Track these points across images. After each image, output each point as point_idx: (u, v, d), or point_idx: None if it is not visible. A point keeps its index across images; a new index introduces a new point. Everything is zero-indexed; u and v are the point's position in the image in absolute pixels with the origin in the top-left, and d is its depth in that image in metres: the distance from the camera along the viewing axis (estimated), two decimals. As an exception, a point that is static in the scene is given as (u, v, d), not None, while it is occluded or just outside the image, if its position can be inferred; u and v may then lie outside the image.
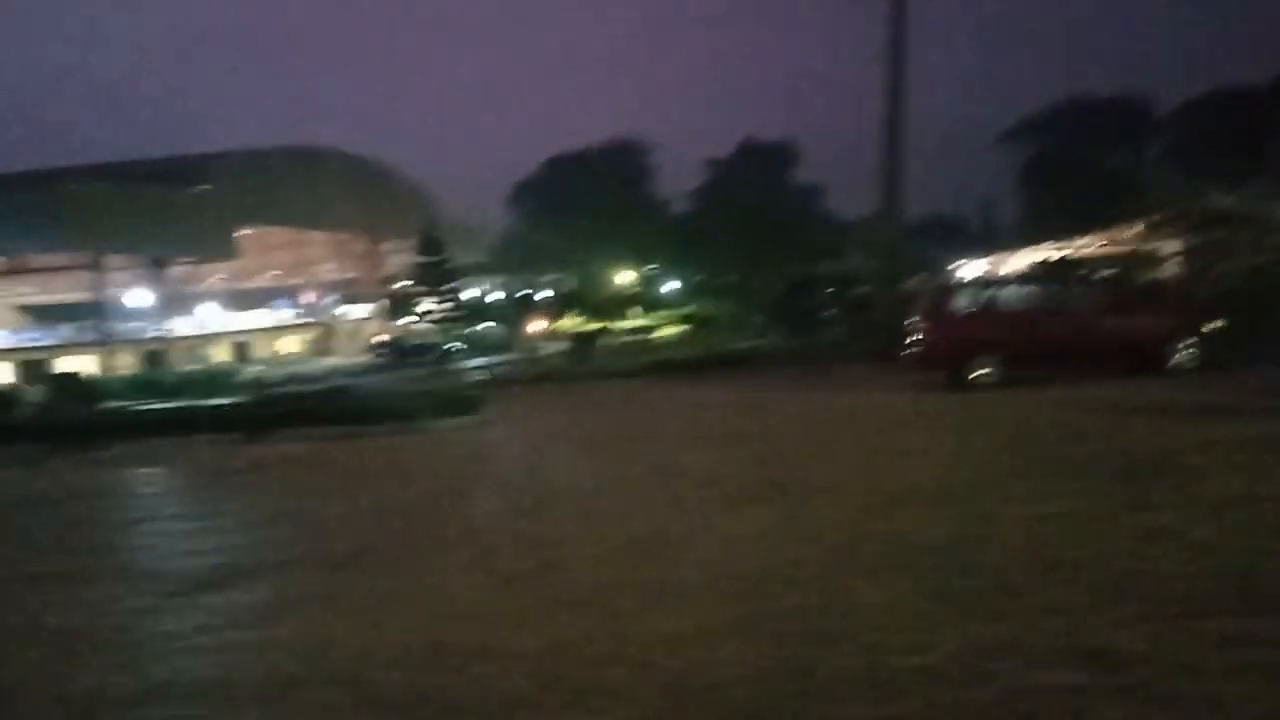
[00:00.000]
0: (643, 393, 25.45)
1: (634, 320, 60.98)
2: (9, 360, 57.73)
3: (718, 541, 8.29)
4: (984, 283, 25.57)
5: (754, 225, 62.91)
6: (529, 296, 70.94)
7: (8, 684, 6.03)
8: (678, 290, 71.60)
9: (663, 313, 62.91)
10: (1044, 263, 33.94)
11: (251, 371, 46.12)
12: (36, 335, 62.33)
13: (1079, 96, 62.96)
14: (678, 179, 78.31)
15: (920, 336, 20.14)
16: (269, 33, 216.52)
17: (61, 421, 25.05)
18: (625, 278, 73.91)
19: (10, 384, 40.70)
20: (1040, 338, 19.10)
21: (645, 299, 68.76)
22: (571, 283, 73.78)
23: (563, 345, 46.80)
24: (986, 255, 68.10)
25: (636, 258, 73.79)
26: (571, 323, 62.27)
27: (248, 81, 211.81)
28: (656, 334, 48.94)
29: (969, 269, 59.70)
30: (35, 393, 36.59)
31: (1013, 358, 18.99)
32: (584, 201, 72.38)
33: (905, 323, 20.86)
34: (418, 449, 16.95)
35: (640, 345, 41.96)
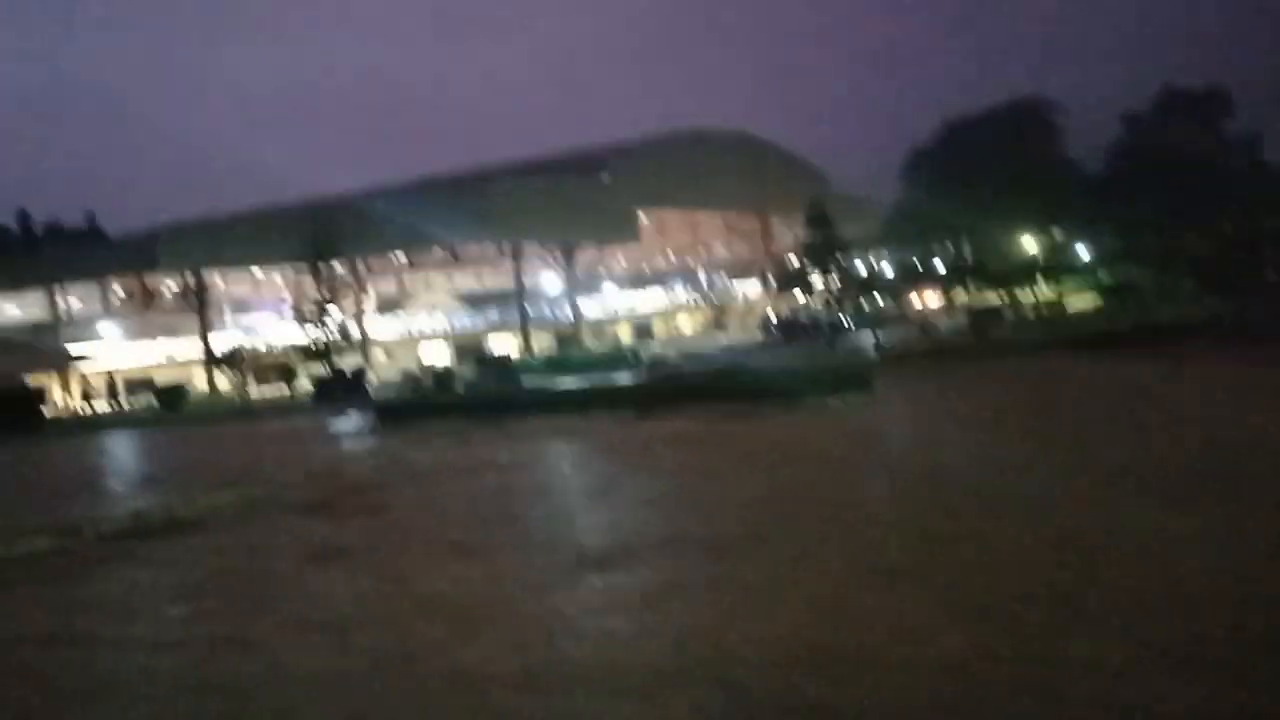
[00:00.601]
0: (1053, 370, 23.30)
1: (1041, 291, 56.70)
2: (447, 342, 64.67)
3: (1147, 547, 7.04)
4: None
5: (1180, 181, 56.20)
6: (923, 268, 68.21)
7: (402, 655, 6.24)
8: (1091, 257, 65.69)
9: (1074, 281, 57.92)
10: None
11: (649, 350, 48.09)
12: (469, 320, 69.21)
13: None
14: (1090, 136, 71.54)
15: None
16: (661, 22, 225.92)
17: (483, 398, 27.28)
18: (1030, 245, 69.02)
19: (447, 365, 45.30)
20: None
21: (1053, 267, 63.65)
22: (970, 252, 70.11)
23: (961, 319, 44.45)
24: None
25: (1043, 223, 68.55)
26: (971, 295, 59.13)
27: (644, 71, 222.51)
28: (1067, 305, 45.08)
29: None
30: (466, 372, 40.42)
31: None
32: (984, 165, 68.25)
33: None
34: (805, 428, 16.48)
35: (1049, 317, 38.76)
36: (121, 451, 26.28)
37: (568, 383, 35.05)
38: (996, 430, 14.11)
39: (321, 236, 45.64)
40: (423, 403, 28.21)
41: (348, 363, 43.82)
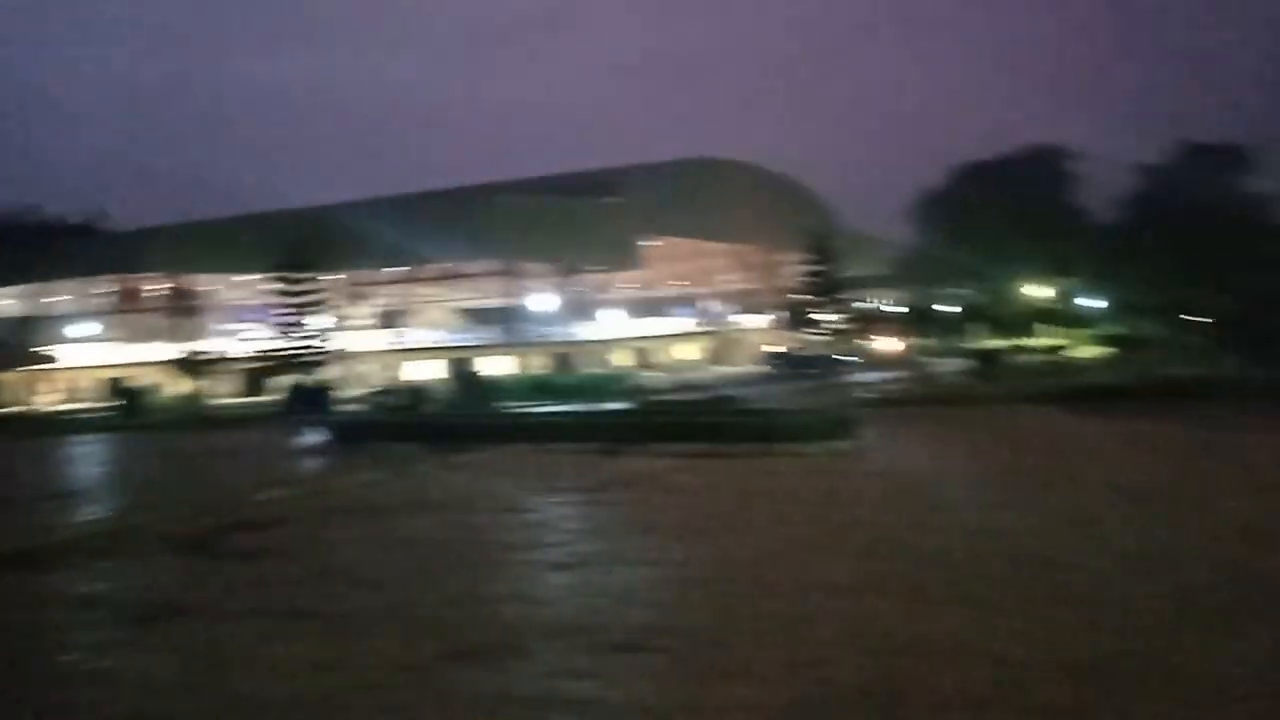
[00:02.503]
0: (1058, 424, 21.50)
1: (1047, 339, 55.02)
2: (437, 358, 62.79)
3: (1208, 659, 5.25)
4: None
5: (1196, 236, 54.60)
6: (929, 310, 66.65)
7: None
8: (1099, 308, 64.07)
9: (1081, 332, 56.24)
10: None
11: (639, 378, 46.32)
12: (461, 336, 67.41)
13: None
14: (1103, 186, 70.09)
15: None
16: (673, 51, 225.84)
17: (450, 420, 25.61)
18: (1039, 293, 67.34)
19: (423, 381, 43.62)
20: None
21: (1061, 316, 61.99)
22: (978, 296, 68.47)
23: (963, 363, 42.62)
24: None
25: (1052, 271, 66.94)
26: (976, 339, 57.50)
27: (655, 98, 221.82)
28: (1073, 355, 43.32)
29: None
30: (445, 390, 38.71)
31: None
32: (995, 211, 66.84)
33: None
34: (780, 479, 14.67)
35: (1054, 367, 36.99)
36: (48, 457, 24.51)
37: (547, 407, 33.35)
38: (983, 495, 12.33)
39: (306, 245, 44.08)
40: (383, 422, 26.43)
41: (324, 375, 42.05)
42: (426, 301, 77.79)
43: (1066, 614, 6.92)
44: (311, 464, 19.71)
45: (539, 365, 60.44)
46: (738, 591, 8.02)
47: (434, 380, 47.10)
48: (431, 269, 67.49)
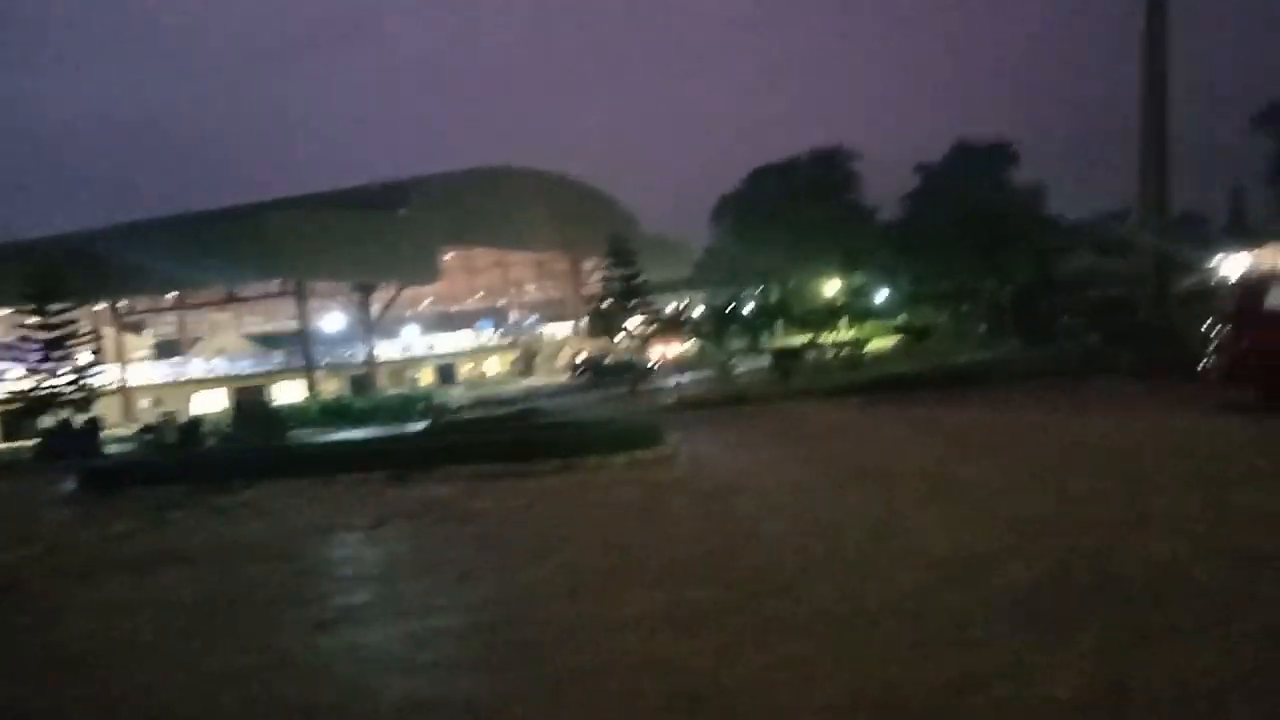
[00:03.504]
0: (857, 417, 21.52)
1: (842, 333, 56.56)
2: (223, 388, 58.94)
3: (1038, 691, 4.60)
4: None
5: (972, 228, 57.49)
6: (730, 310, 67.59)
7: None
8: (889, 300, 66.65)
9: (873, 324, 58.16)
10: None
11: (439, 397, 44.61)
12: (249, 363, 63.63)
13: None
14: (887, 185, 73.21)
15: (1223, 345, 15.55)
16: (465, 58, 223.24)
17: (225, 456, 23.54)
18: (832, 289, 69.49)
19: (201, 414, 40.62)
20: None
21: (854, 310, 64.10)
22: (775, 295, 70.06)
23: (764, 360, 43.01)
24: (1245, 250, 60.09)
25: (844, 268, 69.26)
26: (776, 336, 58.60)
27: (446, 107, 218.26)
28: (867, 347, 44.50)
29: (1232, 265, 52.33)
30: (224, 421, 36.01)
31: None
32: (788, 212, 68.61)
33: (1208, 330, 16.28)
34: (580, 496, 13.80)
35: (850, 360, 37.78)
36: None
37: (340, 435, 31.48)
38: (793, 503, 11.78)
39: (63, 273, 40.29)
40: (146, 462, 24.03)
41: (93, 413, 38.41)
42: (211, 328, 73.32)
43: (885, 634, 6.27)
44: (56, 516, 17.46)
45: (335, 389, 57.66)
46: (522, 640, 7.02)
47: (214, 412, 44.00)
48: (213, 294, 63.47)
